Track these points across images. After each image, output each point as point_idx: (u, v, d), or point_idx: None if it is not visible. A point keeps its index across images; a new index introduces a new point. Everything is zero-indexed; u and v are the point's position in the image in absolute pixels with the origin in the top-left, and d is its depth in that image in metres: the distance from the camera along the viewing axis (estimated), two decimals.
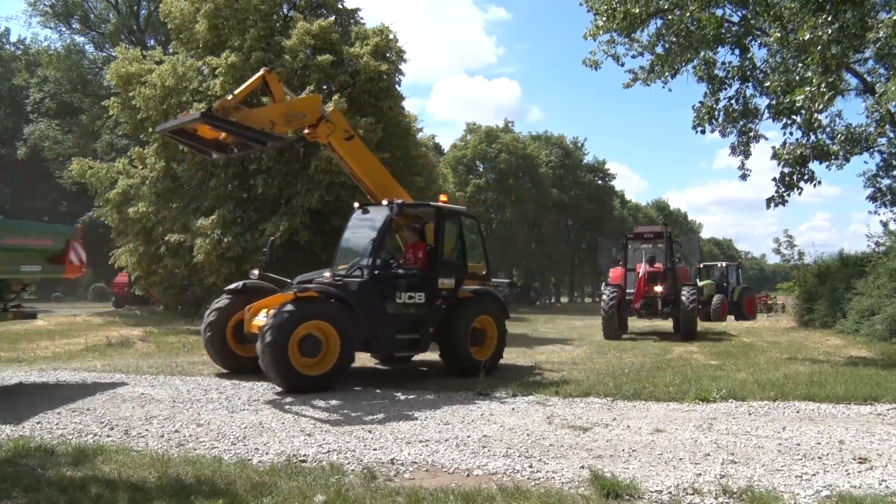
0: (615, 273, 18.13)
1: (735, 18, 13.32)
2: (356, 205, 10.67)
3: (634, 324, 20.01)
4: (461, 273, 10.13)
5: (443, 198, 10.55)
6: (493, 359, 10.07)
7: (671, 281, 17.29)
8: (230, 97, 9.20)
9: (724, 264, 32.69)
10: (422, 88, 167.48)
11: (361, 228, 10.13)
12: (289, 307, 7.97)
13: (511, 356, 12.71)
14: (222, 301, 9.70)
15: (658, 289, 17.01)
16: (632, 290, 17.75)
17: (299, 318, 7.94)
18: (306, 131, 10.28)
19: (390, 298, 9.17)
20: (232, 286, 9.80)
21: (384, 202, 9.52)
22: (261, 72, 9.86)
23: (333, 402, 7.61)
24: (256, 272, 10.30)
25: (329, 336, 8.19)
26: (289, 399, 7.75)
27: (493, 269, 52.99)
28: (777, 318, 32.06)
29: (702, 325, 20.29)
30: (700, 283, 24.98)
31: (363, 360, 11.96)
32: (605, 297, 17.46)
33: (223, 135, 9.07)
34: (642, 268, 17.51)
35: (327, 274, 8.92)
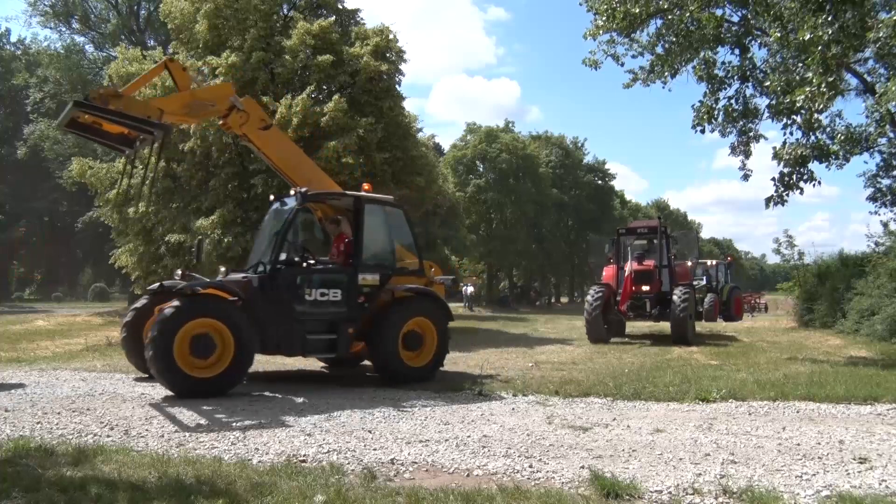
0: (608, 272, 16.95)
1: (735, 18, 13.32)
2: (272, 197, 10.26)
3: (635, 325, 18.96)
4: (387, 269, 9.27)
5: (366, 186, 9.84)
6: (431, 366, 9.28)
7: (663, 280, 16.27)
8: (116, 88, 8.85)
9: (713, 262, 31.80)
10: (421, 88, 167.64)
11: (276, 222, 9.50)
12: (172, 306, 7.56)
13: (511, 356, 12.72)
14: (141, 301, 9.30)
15: (646, 288, 15.90)
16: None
17: (184, 316, 7.49)
18: (220, 122, 9.87)
19: (298, 296, 8.51)
20: (152, 287, 9.14)
21: (292, 192, 9.02)
22: (162, 60, 9.62)
23: (333, 402, 7.61)
24: (179, 272, 9.80)
25: (223, 336, 7.70)
26: (289, 399, 7.75)
27: (493, 268, 53.23)
28: (761, 319, 32.15)
29: (700, 327, 19.77)
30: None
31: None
32: (588, 297, 16.25)
33: (126, 129, 8.72)
34: (629, 266, 16.40)
35: (223, 269, 8.62)
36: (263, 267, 8.57)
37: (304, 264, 8.88)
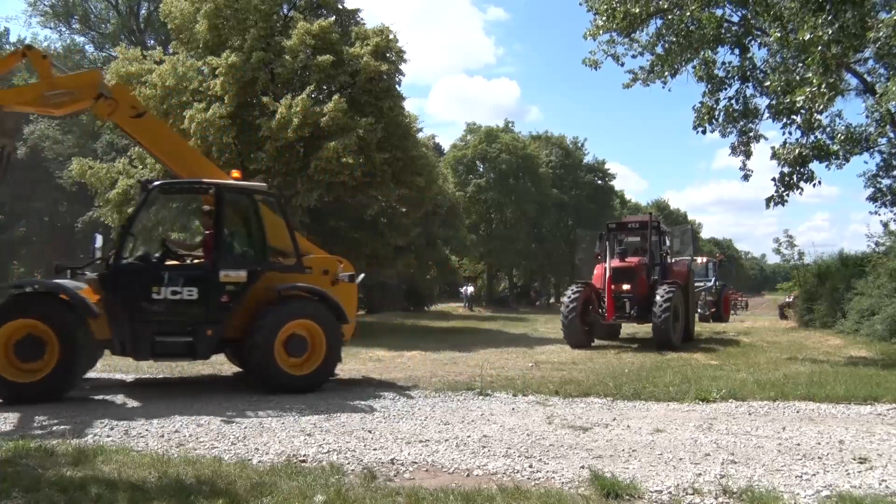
0: (598, 270, 15.63)
1: (735, 18, 13.32)
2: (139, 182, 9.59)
3: (630, 328, 17.66)
4: (257, 264, 8.34)
5: (234, 174, 9.02)
6: (318, 374, 8.27)
7: (649, 278, 14.98)
8: None
9: (703, 259, 30.46)
10: (421, 88, 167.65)
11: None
12: None
13: (511, 356, 12.72)
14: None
15: (627, 287, 14.56)
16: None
17: (2, 318, 7.09)
18: (92, 111, 9.32)
19: (145, 295, 7.74)
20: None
21: (140, 180, 8.56)
22: (20, 48, 9.26)
23: (333, 402, 7.61)
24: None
25: (49, 338, 7.26)
26: (289, 399, 7.74)
27: (493, 268, 53.22)
28: (742, 316, 32.38)
29: (699, 328, 19.47)
30: None
31: (365, 360, 11.96)
32: (565, 298, 15.03)
33: None
34: (607, 263, 14.89)
35: (56, 264, 7.80)
36: (105, 264, 8.00)
37: (165, 261, 8.18)
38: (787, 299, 30.22)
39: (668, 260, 16.44)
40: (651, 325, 14.18)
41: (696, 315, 25.98)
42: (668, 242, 16.77)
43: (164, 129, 9.86)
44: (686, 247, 18.00)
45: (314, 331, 8.23)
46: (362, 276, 9.43)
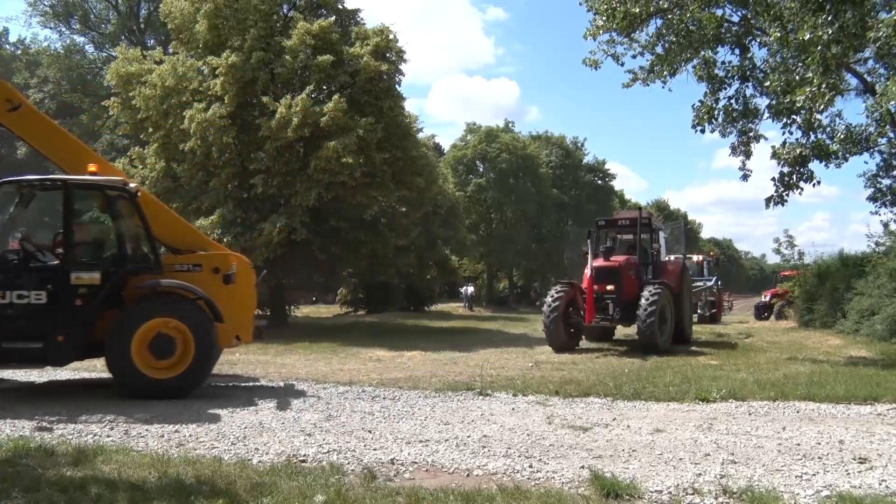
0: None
1: (735, 18, 13.32)
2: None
3: (627, 329, 16.18)
4: (114, 265, 7.89)
5: (91, 168, 8.27)
6: (186, 377, 7.68)
7: (639, 278, 14.12)
8: None
9: (699, 258, 29.21)
10: (420, 88, 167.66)
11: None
12: None
13: (511, 356, 12.72)
14: None
15: (610, 287, 13.52)
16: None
17: None
18: None
19: None
20: None
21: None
22: None
23: (333, 402, 7.61)
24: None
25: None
26: (289, 399, 7.74)
27: (493, 268, 53.21)
28: (729, 316, 31.52)
29: (700, 329, 18.97)
30: None
31: (365, 360, 11.98)
32: (548, 298, 14.12)
33: None
34: (589, 263, 13.74)
35: None
36: None
37: (27, 262, 7.73)
38: (764, 299, 29.13)
39: (664, 258, 15.55)
40: (628, 326, 13.67)
41: (696, 316, 25.06)
42: (662, 240, 15.77)
43: (45, 122, 9.12)
44: (677, 244, 16.87)
45: (182, 331, 7.70)
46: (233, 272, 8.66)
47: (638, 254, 14.46)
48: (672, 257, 17.14)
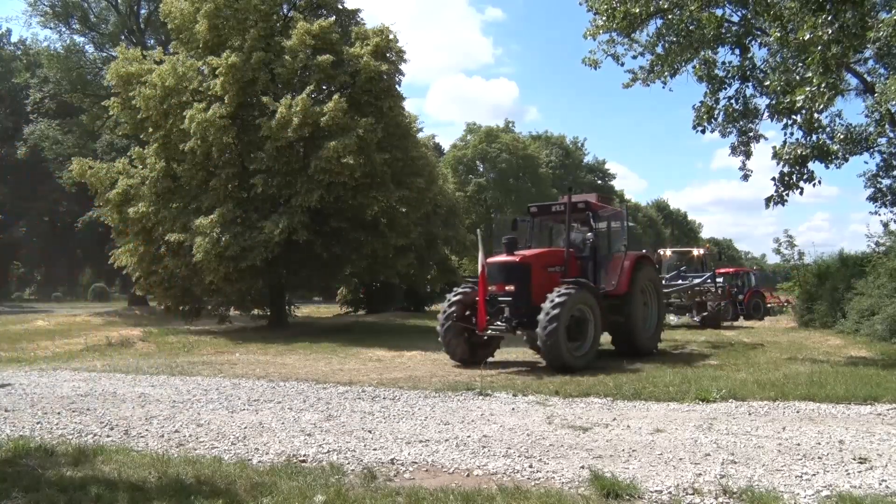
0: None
1: (735, 18, 13.31)
2: None
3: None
4: None
5: None
6: None
7: (568, 275, 11.46)
8: None
9: (698, 251, 25.94)
10: (419, 88, 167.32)
11: None
12: None
13: (511, 356, 12.71)
14: None
15: (510, 288, 11.04)
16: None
17: None
18: None
19: None
20: None
21: None
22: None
23: (333, 402, 7.61)
24: None
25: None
26: (289, 399, 7.75)
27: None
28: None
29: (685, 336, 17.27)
30: None
31: (365, 360, 11.97)
32: (445, 303, 11.87)
33: None
34: (480, 258, 11.34)
35: None
36: None
37: None
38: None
39: (620, 250, 12.67)
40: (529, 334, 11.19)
41: (671, 319, 22.31)
42: (615, 230, 13.14)
43: None
44: (618, 237, 13.11)
45: None
46: None
47: (566, 246, 11.76)
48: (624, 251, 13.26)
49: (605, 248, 12.81)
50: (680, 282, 22.25)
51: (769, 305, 29.68)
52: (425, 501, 4.09)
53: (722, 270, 25.38)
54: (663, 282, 19.23)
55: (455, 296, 11.69)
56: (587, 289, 11.09)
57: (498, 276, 11.26)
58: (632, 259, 12.51)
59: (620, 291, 11.99)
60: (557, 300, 10.28)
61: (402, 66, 19.97)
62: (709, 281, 22.52)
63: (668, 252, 25.30)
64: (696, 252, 25.63)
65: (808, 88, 10.32)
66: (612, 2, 12.45)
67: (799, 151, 11.97)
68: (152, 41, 33.41)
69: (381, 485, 4.45)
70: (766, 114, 12.94)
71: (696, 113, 13.05)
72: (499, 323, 11.06)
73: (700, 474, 4.69)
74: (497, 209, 49.53)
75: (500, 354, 12.28)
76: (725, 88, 13.11)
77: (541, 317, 10.20)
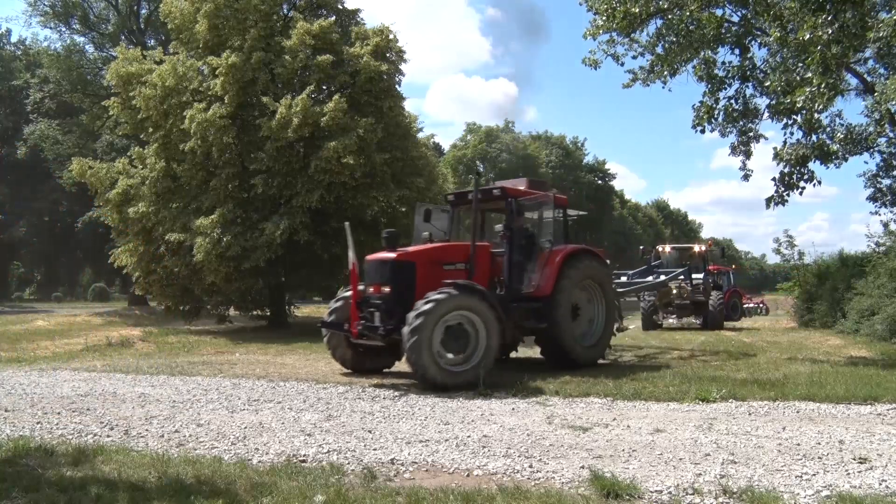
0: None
1: (735, 18, 13.32)
2: None
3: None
4: None
5: None
6: None
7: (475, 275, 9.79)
8: None
9: (699, 248, 24.57)
10: (418, 88, 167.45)
11: None
12: None
13: (511, 355, 12.69)
14: None
15: (387, 289, 9.52)
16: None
17: None
18: None
19: None
20: None
21: None
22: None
23: (333, 402, 7.61)
24: None
25: None
26: (289, 399, 7.75)
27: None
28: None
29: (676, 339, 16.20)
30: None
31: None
32: (331, 303, 10.63)
33: None
34: (350, 256, 9.80)
35: None
36: None
37: None
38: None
39: (545, 246, 10.63)
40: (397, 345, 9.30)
41: (671, 321, 22.45)
42: (545, 221, 11.04)
43: None
44: (544, 231, 10.99)
45: None
46: None
47: (472, 240, 10.05)
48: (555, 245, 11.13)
49: (533, 243, 10.78)
50: (651, 279, 19.35)
51: (746, 306, 29.57)
52: (425, 501, 4.09)
53: (712, 268, 24.63)
54: (625, 279, 17.59)
55: (336, 301, 10.35)
56: (472, 291, 9.07)
57: (374, 276, 9.82)
58: (561, 256, 10.51)
59: (542, 294, 10.21)
60: (424, 307, 8.56)
61: (402, 66, 20.01)
62: (681, 277, 20.37)
63: (668, 248, 24.27)
64: (697, 248, 24.39)
65: (808, 88, 10.33)
66: (612, 2, 12.45)
67: (800, 152, 11.98)
68: (152, 41, 33.42)
69: (381, 485, 4.45)
70: (766, 114, 12.95)
71: (696, 113, 13.05)
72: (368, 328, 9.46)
73: (700, 474, 4.69)
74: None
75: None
76: (725, 88, 13.12)
77: (404, 328, 8.55)
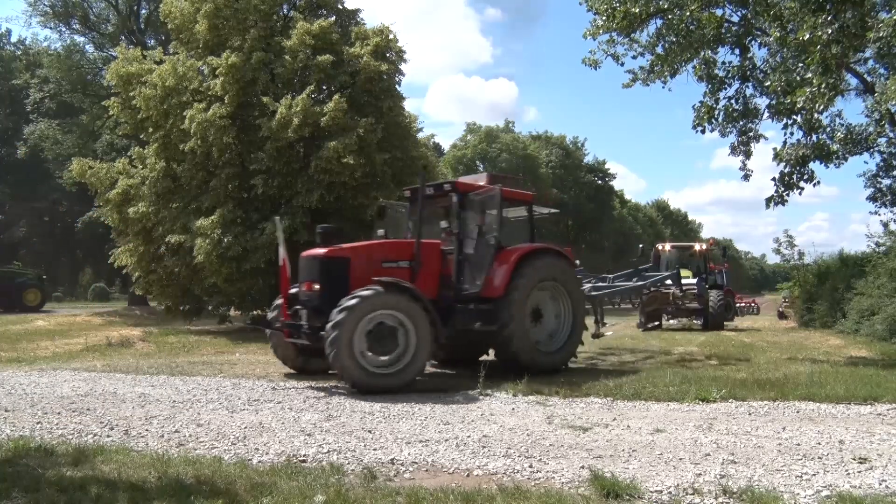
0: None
1: (735, 18, 13.32)
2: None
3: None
4: None
5: None
6: None
7: (418, 277, 9.36)
8: None
9: (700, 246, 24.12)
10: (417, 88, 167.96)
11: None
12: None
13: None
14: None
15: (317, 287, 9.06)
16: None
17: None
18: None
19: None
20: None
21: None
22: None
23: (333, 402, 7.61)
24: None
25: None
26: (289, 399, 7.74)
27: None
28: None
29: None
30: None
31: None
32: (273, 305, 10.27)
33: None
34: (281, 252, 9.72)
35: None
36: None
37: None
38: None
39: (492, 244, 9.96)
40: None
41: (670, 323, 21.90)
42: (497, 217, 10.09)
43: None
44: (489, 228, 10.27)
45: None
46: None
47: (416, 236, 9.59)
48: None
49: (484, 239, 10.13)
50: (633, 282, 17.50)
51: (738, 305, 29.66)
52: (425, 501, 4.09)
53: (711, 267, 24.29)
54: (607, 281, 16.02)
55: (279, 299, 9.80)
56: (400, 290, 8.56)
57: (305, 273, 9.44)
58: (517, 254, 9.88)
59: (494, 294, 9.59)
60: (347, 304, 8.15)
61: (402, 66, 19.98)
62: (668, 282, 18.91)
63: (668, 247, 23.66)
64: (697, 247, 23.88)
65: (808, 88, 10.33)
66: (612, 2, 12.45)
67: (800, 152, 11.98)
68: (152, 41, 33.38)
69: (381, 485, 4.45)
70: (766, 114, 12.96)
71: (696, 113, 13.06)
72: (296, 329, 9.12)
73: (700, 474, 4.69)
74: None
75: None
76: (725, 88, 13.12)
77: (327, 327, 8.12)
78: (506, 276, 9.65)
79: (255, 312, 21.47)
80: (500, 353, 10.08)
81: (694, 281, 21.19)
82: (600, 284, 15.03)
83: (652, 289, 19.48)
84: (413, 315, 8.48)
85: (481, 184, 10.50)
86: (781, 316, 29.81)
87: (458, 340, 9.83)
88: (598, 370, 10.50)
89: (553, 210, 15.50)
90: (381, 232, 10.44)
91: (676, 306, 20.76)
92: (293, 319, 9.22)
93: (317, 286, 9.02)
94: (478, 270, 9.87)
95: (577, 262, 12.00)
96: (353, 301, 8.14)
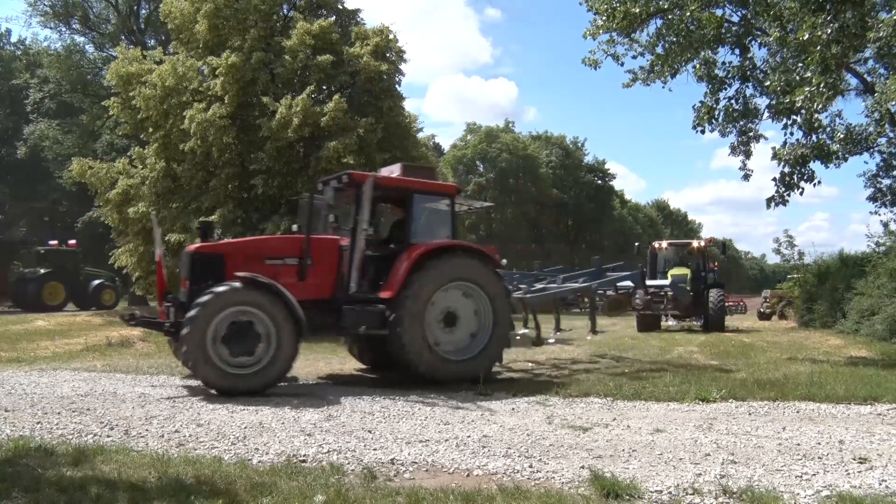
0: None
1: (735, 18, 13.33)
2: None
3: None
4: None
5: None
6: None
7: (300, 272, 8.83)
8: None
9: (698, 243, 23.00)
10: (417, 89, 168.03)
11: None
12: None
13: (511, 356, 12.70)
14: None
15: (188, 283, 8.71)
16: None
17: None
18: None
19: None
20: None
21: None
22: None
23: (333, 402, 7.61)
24: None
25: None
26: (288, 399, 7.74)
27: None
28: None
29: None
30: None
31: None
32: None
33: None
34: (157, 249, 9.45)
35: None
36: None
37: None
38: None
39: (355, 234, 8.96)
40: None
41: (670, 324, 21.57)
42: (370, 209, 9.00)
43: None
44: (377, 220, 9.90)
45: None
46: None
47: (306, 232, 8.99)
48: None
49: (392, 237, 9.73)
50: (579, 283, 14.14)
51: (728, 305, 29.39)
52: (425, 501, 4.09)
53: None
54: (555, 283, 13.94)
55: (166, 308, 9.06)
56: (258, 286, 8.10)
57: (182, 270, 9.05)
58: (418, 253, 9.01)
59: (388, 295, 8.87)
60: (201, 300, 7.82)
61: (402, 66, 19.98)
62: (628, 283, 16.98)
63: (665, 245, 23.08)
64: (696, 244, 22.77)
65: (807, 88, 10.34)
66: (612, 2, 12.46)
67: (800, 152, 11.99)
68: (152, 41, 33.38)
69: (381, 485, 4.45)
70: (766, 114, 12.97)
71: (696, 113, 13.07)
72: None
73: (700, 474, 4.69)
74: (497, 209, 49.54)
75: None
76: (725, 88, 13.14)
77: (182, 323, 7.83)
78: (402, 276, 8.84)
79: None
80: (396, 361, 9.14)
81: (668, 282, 20.16)
82: (536, 287, 13.50)
83: (611, 291, 17.22)
84: (273, 313, 8.02)
85: (385, 175, 9.84)
86: (762, 316, 29.81)
87: (379, 345, 9.29)
88: (598, 370, 10.50)
89: (486, 204, 14.22)
90: (295, 227, 9.90)
91: (642, 308, 19.36)
92: (166, 317, 8.69)
93: (188, 282, 8.63)
94: (378, 269, 9.35)
95: (504, 261, 10.83)
96: (207, 297, 7.80)
